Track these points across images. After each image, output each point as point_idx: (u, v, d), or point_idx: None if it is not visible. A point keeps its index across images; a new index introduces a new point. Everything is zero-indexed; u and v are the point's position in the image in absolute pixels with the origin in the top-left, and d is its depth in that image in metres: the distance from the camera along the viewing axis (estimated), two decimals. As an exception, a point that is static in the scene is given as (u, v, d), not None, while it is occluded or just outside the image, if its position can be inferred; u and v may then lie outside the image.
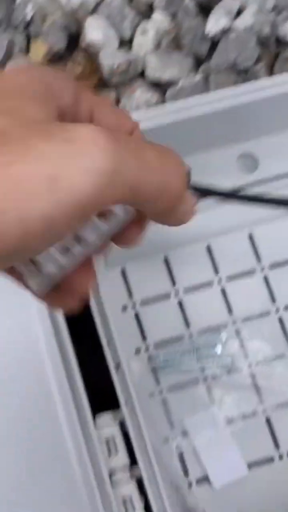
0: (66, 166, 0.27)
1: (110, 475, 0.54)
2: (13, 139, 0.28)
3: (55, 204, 0.27)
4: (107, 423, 0.55)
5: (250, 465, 0.59)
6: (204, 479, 0.59)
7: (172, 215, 0.36)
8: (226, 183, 0.60)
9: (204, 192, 0.58)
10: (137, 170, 0.30)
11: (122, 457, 0.55)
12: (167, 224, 0.37)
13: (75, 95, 0.35)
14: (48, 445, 0.57)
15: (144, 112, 0.62)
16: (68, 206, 0.27)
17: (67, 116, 0.35)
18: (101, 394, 0.60)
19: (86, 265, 0.37)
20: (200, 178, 0.58)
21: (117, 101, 0.71)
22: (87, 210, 0.28)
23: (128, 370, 0.56)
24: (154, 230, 0.63)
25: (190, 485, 0.58)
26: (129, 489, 0.54)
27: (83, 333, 0.62)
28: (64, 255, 0.36)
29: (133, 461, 0.55)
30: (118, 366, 0.56)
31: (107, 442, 0.55)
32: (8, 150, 0.27)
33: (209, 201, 0.63)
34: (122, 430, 0.56)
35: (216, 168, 0.64)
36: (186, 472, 0.59)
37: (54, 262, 0.35)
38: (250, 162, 0.65)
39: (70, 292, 0.38)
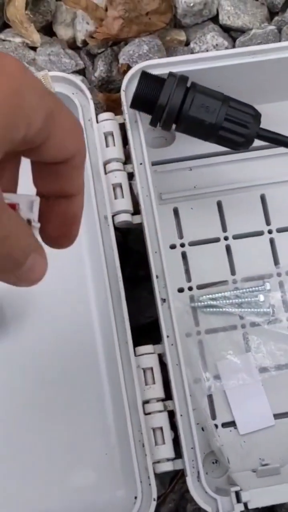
0: None
1: (144, 404, 0.55)
2: None
3: None
4: (147, 354, 0.56)
5: (276, 416, 0.59)
6: (231, 424, 0.59)
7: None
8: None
9: (271, 140, 0.58)
10: None
11: (158, 389, 0.55)
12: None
13: (42, 124, 0.32)
14: (87, 366, 0.58)
15: (215, 52, 0.62)
16: None
17: (18, 141, 0.31)
18: (140, 327, 0.61)
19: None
20: (268, 127, 0.58)
21: (187, 43, 0.70)
22: None
23: (172, 305, 0.56)
24: (208, 175, 0.64)
25: (216, 427, 0.59)
26: (161, 420, 0.55)
27: (128, 266, 0.63)
28: None
29: (166, 395, 0.56)
30: (164, 301, 0.56)
31: (145, 372, 0.55)
32: None
33: (270, 150, 0.63)
34: (160, 364, 0.56)
35: (282, 119, 0.64)
36: (214, 414, 0.59)
37: None
38: None
39: None
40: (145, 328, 0.62)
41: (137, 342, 0.57)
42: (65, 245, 0.37)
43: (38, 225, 0.34)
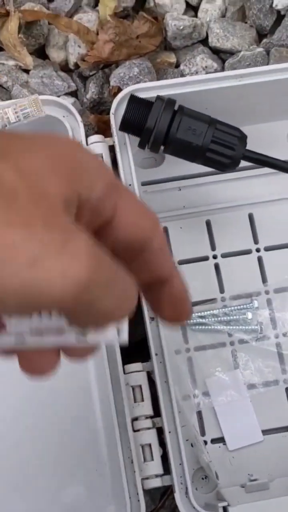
0: (48, 261, 0.27)
1: (133, 421, 0.56)
2: (19, 206, 0.28)
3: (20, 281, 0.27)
4: (136, 371, 0.57)
5: (265, 432, 0.60)
6: (220, 440, 0.60)
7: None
8: (277, 157, 0.61)
9: (257, 161, 0.59)
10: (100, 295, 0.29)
11: (146, 406, 0.56)
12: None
13: (106, 190, 0.32)
14: (75, 384, 0.59)
15: (202, 76, 0.63)
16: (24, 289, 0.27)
17: (87, 205, 0.32)
18: (132, 348, 0.62)
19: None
20: (252, 149, 0.60)
21: (177, 65, 0.72)
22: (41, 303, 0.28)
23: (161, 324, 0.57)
24: (197, 194, 0.65)
25: (205, 443, 0.60)
26: (150, 437, 0.56)
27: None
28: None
29: (155, 412, 0.57)
30: (152, 319, 0.57)
31: (134, 390, 0.56)
32: (9, 213, 0.27)
33: (258, 171, 0.64)
34: (149, 381, 0.57)
35: (268, 140, 0.65)
36: (203, 430, 0.60)
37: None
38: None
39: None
40: (136, 346, 0.63)
41: (127, 359, 0.58)
42: (184, 321, 0.41)
43: None
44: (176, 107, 0.58)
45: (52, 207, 0.29)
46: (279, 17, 0.71)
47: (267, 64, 0.69)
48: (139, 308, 0.58)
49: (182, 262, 0.64)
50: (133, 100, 0.59)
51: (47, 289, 0.27)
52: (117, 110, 0.61)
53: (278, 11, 0.70)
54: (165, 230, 0.64)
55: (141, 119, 0.58)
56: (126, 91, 0.61)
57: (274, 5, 0.70)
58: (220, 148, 0.58)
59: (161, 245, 0.35)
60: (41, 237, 0.27)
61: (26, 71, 0.70)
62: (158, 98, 0.58)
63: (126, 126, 0.59)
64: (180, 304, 0.37)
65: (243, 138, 0.59)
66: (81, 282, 0.28)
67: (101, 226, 0.33)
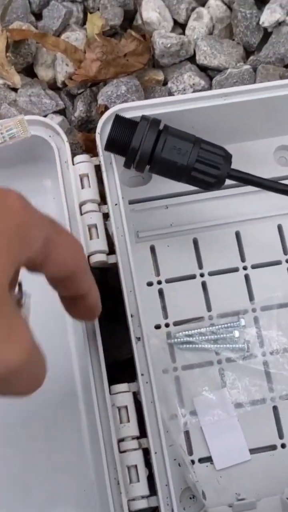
0: None
1: (119, 442, 0.56)
2: None
3: None
4: (122, 392, 0.57)
5: (252, 451, 0.60)
6: (207, 459, 0.60)
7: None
8: (262, 175, 0.61)
9: (242, 180, 0.59)
10: None
11: (132, 426, 0.56)
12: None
13: (42, 246, 0.39)
14: (62, 405, 0.59)
15: (188, 95, 0.63)
16: None
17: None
18: (118, 364, 0.62)
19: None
20: (239, 167, 0.60)
21: (164, 83, 0.72)
22: None
23: (147, 343, 0.57)
24: (184, 212, 0.65)
25: (192, 463, 0.60)
26: (136, 458, 0.56)
27: (108, 303, 0.64)
28: None
29: (141, 433, 0.57)
30: (138, 339, 0.57)
31: (120, 411, 0.56)
32: None
33: (245, 188, 0.65)
34: (135, 402, 0.57)
35: (254, 159, 0.65)
36: (190, 449, 0.60)
37: None
38: (288, 155, 0.67)
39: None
40: (123, 364, 0.63)
41: (114, 378, 0.57)
42: (92, 320, 0.55)
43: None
44: (161, 127, 0.59)
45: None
46: (266, 34, 0.71)
47: (254, 81, 0.69)
48: (125, 328, 0.59)
49: (169, 281, 0.64)
50: (118, 120, 0.59)
51: None
52: (103, 130, 0.61)
53: (265, 28, 0.70)
54: (152, 248, 0.64)
55: (126, 139, 0.58)
56: (111, 111, 0.61)
57: (261, 22, 0.70)
58: (205, 167, 0.58)
59: (83, 272, 0.44)
60: None
61: (14, 89, 0.70)
62: (143, 118, 0.58)
63: (111, 146, 0.59)
64: (94, 310, 0.49)
65: (228, 157, 0.59)
66: (10, 369, 0.34)
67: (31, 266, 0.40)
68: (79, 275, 0.44)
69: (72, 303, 0.48)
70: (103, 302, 0.59)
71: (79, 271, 0.43)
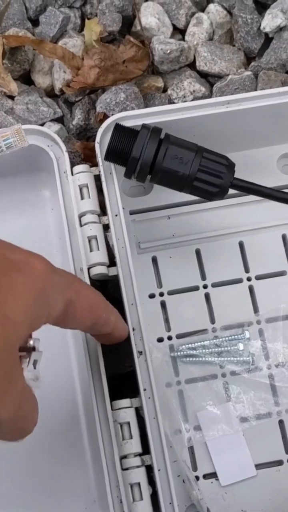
0: None
1: (121, 459, 0.54)
2: None
3: None
4: (124, 408, 0.55)
5: (258, 466, 0.59)
6: (212, 475, 0.59)
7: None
8: (265, 183, 0.60)
9: (245, 189, 0.58)
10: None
11: (135, 443, 0.55)
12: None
13: (64, 307, 0.42)
14: (64, 421, 0.57)
15: (189, 103, 0.62)
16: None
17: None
18: (121, 380, 0.61)
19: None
20: (241, 176, 0.58)
21: (164, 89, 0.70)
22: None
23: (149, 357, 0.56)
24: (187, 223, 0.64)
25: (197, 479, 0.58)
26: (138, 475, 0.54)
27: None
28: None
29: (144, 449, 0.55)
30: (140, 353, 0.56)
31: (122, 427, 0.55)
32: None
33: (248, 198, 0.63)
34: (137, 416, 0.56)
35: (257, 167, 0.64)
36: (195, 466, 0.59)
37: None
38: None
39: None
40: (125, 378, 0.61)
41: (117, 391, 0.56)
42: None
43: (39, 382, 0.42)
44: (162, 135, 0.57)
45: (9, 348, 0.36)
46: (267, 39, 0.70)
47: (256, 87, 0.68)
48: (127, 341, 0.57)
49: (171, 292, 0.62)
50: (118, 129, 0.57)
51: None
52: (102, 139, 0.59)
53: (266, 34, 0.69)
54: (154, 260, 0.63)
55: (126, 149, 0.56)
56: (111, 119, 0.59)
57: (262, 28, 0.69)
58: (207, 177, 0.56)
59: (103, 321, 0.48)
60: None
61: (11, 97, 0.69)
62: (144, 126, 0.57)
63: (112, 156, 0.57)
64: (119, 339, 0.53)
65: (231, 166, 0.57)
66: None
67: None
68: (100, 324, 0.47)
69: (97, 337, 0.53)
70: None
71: (99, 322, 0.47)
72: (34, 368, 0.41)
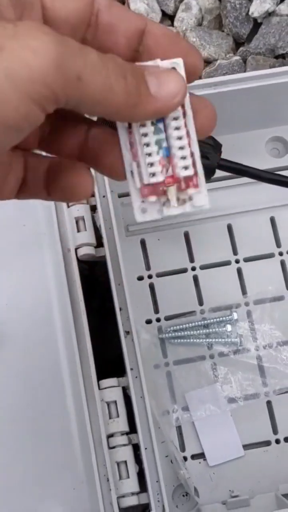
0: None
1: (108, 438, 0.55)
2: None
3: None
4: (111, 387, 0.56)
5: (246, 447, 0.59)
6: (200, 456, 0.59)
7: (134, 112, 0.33)
8: (254, 166, 0.60)
9: (233, 170, 0.58)
10: (81, 65, 0.29)
11: (121, 422, 0.55)
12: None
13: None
14: (50, 400, 0.58)
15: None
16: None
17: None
18: (108, 360, 0.61)
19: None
20: (229, 158, 0.59)
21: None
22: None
23: (137, 338, 0.56)
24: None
25: (185, 459, 0.58)
26: (125, 454, 0.54)
27: (96, 298, 0.63)
28: None
29: (132, 429, 0.55)
30: (128, 333, 0.56)
31: (109, 406, 0.55)
32: None
33: (236, 180, 0.63)
34: (124, 397, 0.56)
35: (245, 150, 0.64)
36: (182, 446, 0.59)
37: None
38: (280, 146, 0.65)
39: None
40: (113, 360, 0.61)
41: (104, 374, 0.56)
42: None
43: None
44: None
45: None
46: (256, 25, 0.70)
47: (244, 72, 0.68)
48: (115, 323, 0.58)
49: (160, 275, 0.63)
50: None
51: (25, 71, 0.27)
52: (90, 120, 0.60)
53: (255, 19, 0.70)
54: (143, 242, 0.63)
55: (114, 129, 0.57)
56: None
57: (250, 13, 0.69)
58: (193, 157, 0.57)
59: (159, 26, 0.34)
60: None
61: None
62: (131, 107, 0.57)
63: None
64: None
65: (217, 146, 0.57)
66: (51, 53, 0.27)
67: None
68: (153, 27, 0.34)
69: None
70: (92, 297, 0.58)
71: (150, 23, 0.34)
72: None
